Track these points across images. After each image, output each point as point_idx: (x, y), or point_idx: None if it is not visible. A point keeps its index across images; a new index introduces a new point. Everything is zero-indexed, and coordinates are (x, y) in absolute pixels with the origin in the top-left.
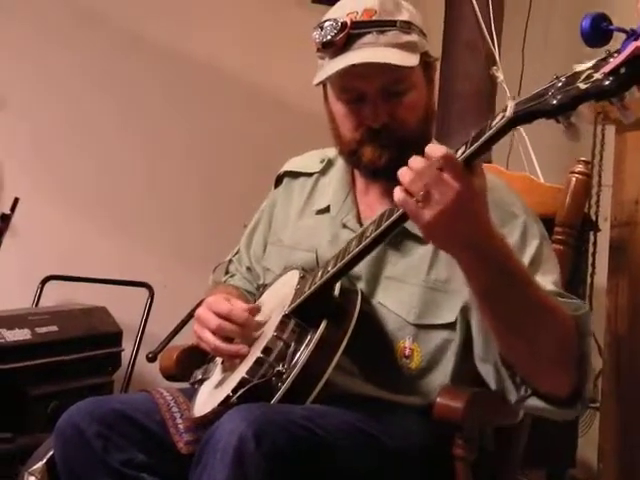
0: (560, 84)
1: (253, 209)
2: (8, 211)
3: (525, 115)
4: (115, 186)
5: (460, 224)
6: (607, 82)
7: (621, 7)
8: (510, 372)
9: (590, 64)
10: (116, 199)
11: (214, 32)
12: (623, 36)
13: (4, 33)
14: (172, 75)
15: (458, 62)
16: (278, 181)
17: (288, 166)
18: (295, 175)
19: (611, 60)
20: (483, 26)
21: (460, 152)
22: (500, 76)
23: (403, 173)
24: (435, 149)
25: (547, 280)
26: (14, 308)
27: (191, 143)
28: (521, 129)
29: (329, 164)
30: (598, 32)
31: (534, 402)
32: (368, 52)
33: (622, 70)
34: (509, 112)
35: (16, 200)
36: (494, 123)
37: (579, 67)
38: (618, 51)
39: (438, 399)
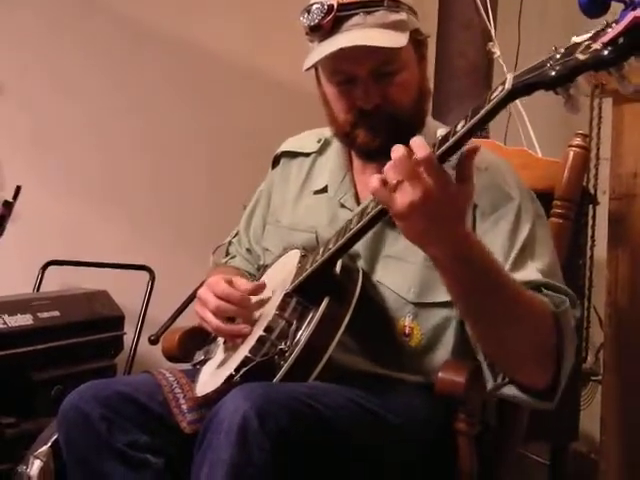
0: (559, 55)
1: (254, 191)
2: (10, 199)
3: (524, 87)
4: (115, 170)
5: (430, 221)
6: (606, 52)
7: None
8: (488, 360)
9: (588, 35)
10: (116, 183)
11: (215, 19)
12: (621, 6)
13: (4, 21)
14: (173, 61)
15: (454, 39)
16: (275, 161)
17: (285, 146)
18: (292, 155)
19: (609, 30)
20: (478, 2)
21: (460, 126)
22: (496, 52)
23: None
24: (418, 144)
25: (535, 268)
26: (16, 294)
27: (192, 127)
28: (518, 104)
29: (326, 144)
30: (596, 2)
31: (510, 391)
32: (355, 34)
33: (620, 40)
34: (508, 84)
35: (18, 188)
36: (493, 96)
37: (578, 39)
38: (616, 21)
39: (440, 373)
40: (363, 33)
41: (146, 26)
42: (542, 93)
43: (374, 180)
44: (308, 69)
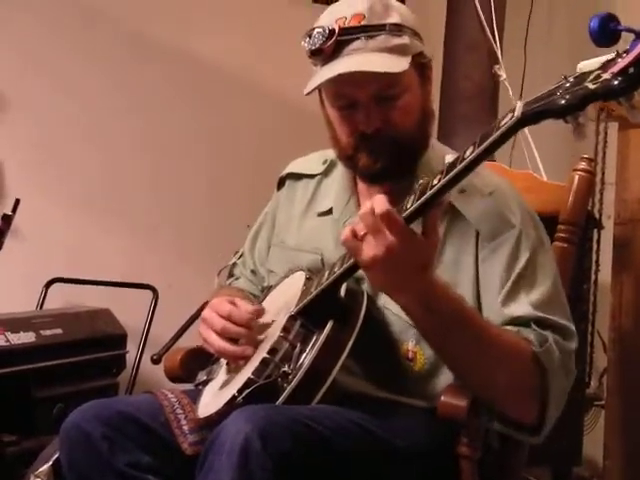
0: (568, 84)
1: (257, 210)
2: (10, 212)
3: (533, 115)
4: (119, 188)
5: (392, 273)
6: (616, 82)
7: (624, 5)
8: None
9: (598, 64)
10: (120, 201)
11: (216, 31)
12: (631, 36)
13: (6, 31)
14: (175, 76)
15: (460, 61)
16: (281, 183)
17: (290, 168)
18: (298, 177)
19: (619, 60)
20: (485, 25)
21: (469, 152)
22: (502, 75)
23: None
24: (379, 202)
25: (528, 301)
26: (19, 311)
27: (195, 144)
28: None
29: (332, 165)
30: (606, 32)
31: (498, 426)
32: (356, 59)
33: (631, 70)
34: (517, 112)
35: (17, 201)
36: (503, 123)
37: (586, 67)
38: (627, 51)
39: (442, 397)
40: (364, 58)
41: (147, 35)
42: (552, 120)
43: (345, 230)
44: (308, 93)
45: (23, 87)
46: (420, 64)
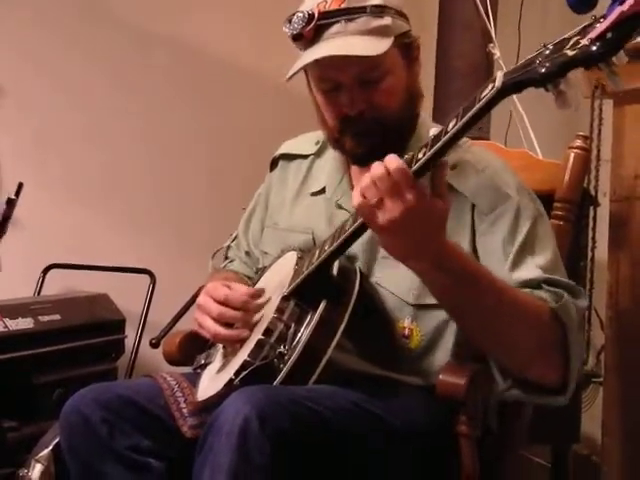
0: (547, 52)
1: (254, 194)
2: (13, 196)
3: (514, 84)
4: (116, 173)
5: (409, 236)
6: (594, 47)
7: None
8: (496, 363)
9: (577, 30)
10: (117, 186)
11: (214, 20)
12: (608, 2)
13: (4, 24)
14: (173, 64)
15: (454, 40)
16: (273, 164)
17: (283, 149)
18: (290, 157)
19: (597, 26)
20: (479, 3)
21: (451, 125)
22: (497, 53)
23: (364, 178)
24: (391, 161)
25: (535, 264)
26: (16, 297)
27: (192, 130)
28: (519, 106)
29: (324, 146)
30: None
31: (518, 393)
32: (336, 43)
33: (608, 35)
34: (498, 82)
35: (20, 185)
36: (483, 95)
37: (567, 35)
38: (604, 16)
39: (440, 376)
40: (343, 41)
41: (147, 29)
42: (543, 93)
43: (356, 197)
44: (289, 78)
45: (22, 77)
46: (404, 44)
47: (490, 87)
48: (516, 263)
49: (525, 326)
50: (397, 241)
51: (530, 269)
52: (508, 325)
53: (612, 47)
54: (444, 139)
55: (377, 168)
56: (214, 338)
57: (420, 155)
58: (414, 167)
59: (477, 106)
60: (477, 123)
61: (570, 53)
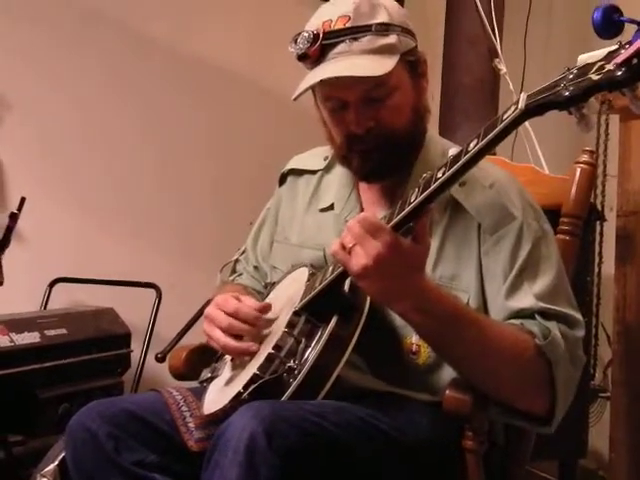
0: (572, 76)
1: (260, 208)
2: (15, 211)
3: (537, 107)
4: (122, 187)
5: (385, 280)
6: (619, 73)
7: None
8: None
9: (601, 55)
10: (123, 200)
11: (220, 30)
12: (634, 28)
13: (9, 34)
14: (179, 75)
15: (460, 55)
16: (282, 179)
17: (292, 164)
18: (299, 173)
19: (622, 51)
20: (485, 19)
21: (472, 145)
22: (503, 68)
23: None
24: (363, 214)
25: (531, 292)
26: (23, 311)
27: (198, 144)
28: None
29: (333, 161)
30: (610, 24)
31: (507, 418)
32: (341, 63)
33: (634, 61)
34: (521, 104)
35: (23, 199)
36: (506, 115)
37: (589, 58)
38: (629, 42)
39: (447, 391)
40: (348, 61)
41: (151, 39)
42: (556, 111)
43: (334, 244)
44: (295, 98)
45: (27, 89)
46: (410, 61)
47: (513, 109)
48: (512, 290)
49: (510, 365)
50: (374, 285)
51: (525, 298)
52: (493, 364)
53: (638, 73)
54: (465, 158)
55: (353, 221)
56: (223, 349)
57: (439, 174)
58: (433, 185)
59: (499, 127)
60: (498, 144)
61: (595, 77)
